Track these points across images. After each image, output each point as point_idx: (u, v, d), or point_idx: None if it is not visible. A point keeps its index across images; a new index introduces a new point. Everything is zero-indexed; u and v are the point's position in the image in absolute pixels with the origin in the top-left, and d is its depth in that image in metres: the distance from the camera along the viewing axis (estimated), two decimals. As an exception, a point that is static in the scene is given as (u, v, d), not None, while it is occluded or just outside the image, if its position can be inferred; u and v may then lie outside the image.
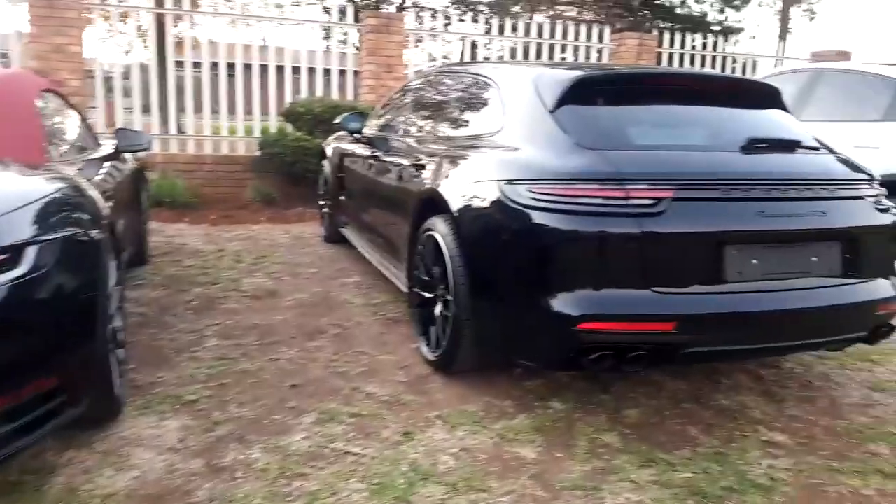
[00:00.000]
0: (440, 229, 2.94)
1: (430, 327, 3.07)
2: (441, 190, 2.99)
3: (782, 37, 34.27)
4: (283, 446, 2.37)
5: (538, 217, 2.42)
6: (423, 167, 3.35)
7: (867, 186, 2.69)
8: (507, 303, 2.60)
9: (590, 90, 2.78)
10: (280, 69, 8.31)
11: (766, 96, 3.02)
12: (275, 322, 3.65)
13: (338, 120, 4.85)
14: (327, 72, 8.86)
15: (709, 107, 2.86)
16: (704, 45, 10.22)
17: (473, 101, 3.47)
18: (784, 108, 3.05)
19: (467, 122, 3.44)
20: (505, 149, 2.83)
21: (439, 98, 3.96)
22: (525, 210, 2.46)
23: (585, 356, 2.35)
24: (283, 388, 2.84)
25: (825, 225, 2.50)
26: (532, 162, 2.62)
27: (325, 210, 5.68)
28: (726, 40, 10.96)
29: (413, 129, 3.99)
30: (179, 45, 9.39)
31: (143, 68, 8.58)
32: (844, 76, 5.34)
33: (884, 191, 2.80)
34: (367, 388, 2.87)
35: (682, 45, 9.89)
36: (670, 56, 9.80)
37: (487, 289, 2.66)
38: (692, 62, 9.92)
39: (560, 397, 2.83)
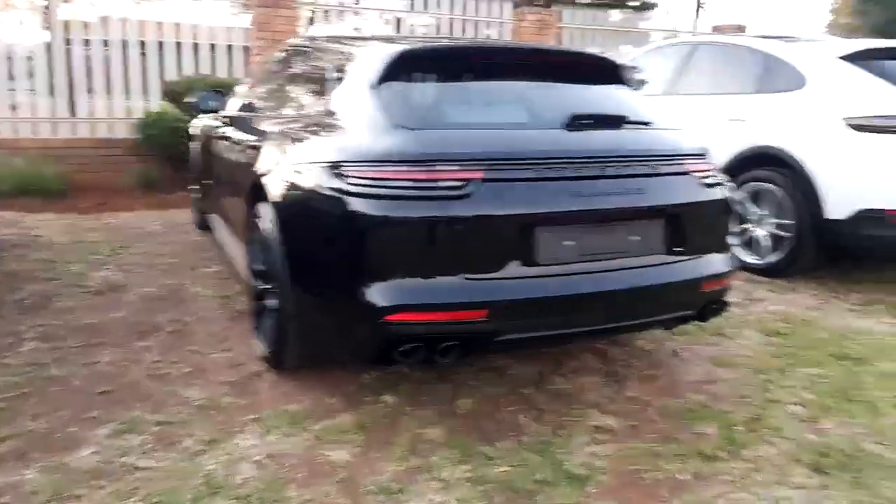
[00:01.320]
0: (264, 217, 2.74)
1: (264, 321, 2.88)
2: (263, 175, 2.79)
3: (697, 12, 34.96)
4: (67, 464, 2.15)
5: (349, 202, 2.25)
6: (257, 150, 3.12)
7: (695, 162, 2.62)
8: (321, 295, 2.44)
9: (412, 65, 2.61)
10: (162, 45, 7.84)
11: (603, 70, 2.92)
12: (108, 320, 3.38)
13: (192, 99, 4.54)
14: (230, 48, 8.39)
15: (537, 82, 2.74)
16: (604, 20, 10.22)
17: (318, 78, 3.25)
18: (624, 82, 2.97)
19: (307, 100, 3.23)
20: (328, 129, 2.64)
21: (292, 74, 3.71)
22: (336, 195, 2.29)
23: (396, 349, 2.21)
24: (90, 396, 2.60)
25: (645, 203, 2.42)
26: (348, 144, 2.44)
27: (194, 195, 5.37)
28: (642, 15, 11.01)
29: (262, 109, 3.74)
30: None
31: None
32: (719, 49, 5.35)
33: (714, 165, 2.75)
34: (186, 392, 2.66)
35: (584, 21, 9.85)
36: (571, 32, 9.76)
37: (305, 280, 2.49)
38: (595, 38, 9.91)
39: (394, 390, 2.69)
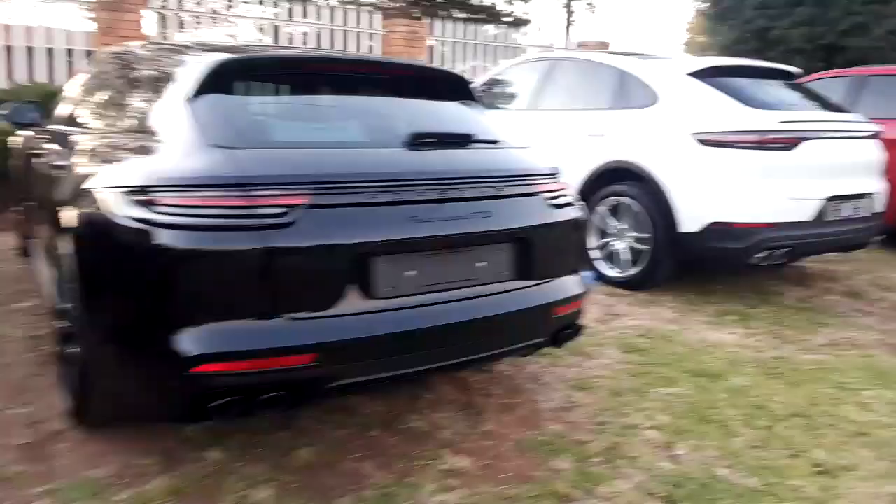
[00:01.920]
0: (63, 248, 2.35)
1: (67, 368, 2.47)
2: (65, 199, 2.40)
3: (567, 28, 36.48)
4: None
5: (152, 233, 1.92)
6: (63, 169, 2.71)
7: (545, 181, 2.50)
8: (121, 341, 2.08)
9: (234, 76, 2.32)
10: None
11: (448, 85, 2.75)
12: None
13: (3, 111, 3.97)
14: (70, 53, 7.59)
15: (376, 97, 2.53)
16: (477, 34, 10.27)
17: (137, 89, 2.86)
18: (471, 97, 2.82)
19: (123, 114, 2.83)
20: (139, 148, 2.30)
21: (112, 84, 3.29)
22: (139, 225, 1.95)
23: (208, 404, 1.91)
24: None
25: (492, 227, 2.26)
26: (156, 165, 2.11)
27: (16, 217, 4.74)
28: (517, 30, 11.16)
29: (77, 123, 3.29)
30: None
31: None
32: (578, 65, 5.40)
33: (565, 184, 2.64)
34: (-38, 461, 2.21)
35: (455, 35, 9.83)
36: (443, 45, 9.72)
37: (103, 323, 2.13)
38: (465, 52, 9.92)
39: (222, 444, 2.37)
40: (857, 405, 2.94)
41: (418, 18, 9.34)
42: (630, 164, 4.55)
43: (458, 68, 9.07)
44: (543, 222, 2.42)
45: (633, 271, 4.57)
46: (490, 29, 11.34)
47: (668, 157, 4.35)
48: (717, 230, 4.15)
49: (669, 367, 3.26)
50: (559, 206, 2.51)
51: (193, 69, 2.32)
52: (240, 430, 2.46)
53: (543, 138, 5.37)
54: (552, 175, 2.58)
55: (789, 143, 4.11)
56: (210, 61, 2.32)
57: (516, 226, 2.33)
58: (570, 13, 34.67)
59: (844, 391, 3.09)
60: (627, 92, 4.80)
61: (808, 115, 4.31)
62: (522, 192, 2.38)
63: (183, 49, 2.82)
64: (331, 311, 1.99)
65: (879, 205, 4.69)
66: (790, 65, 5.30)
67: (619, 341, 3.60)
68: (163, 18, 7.97)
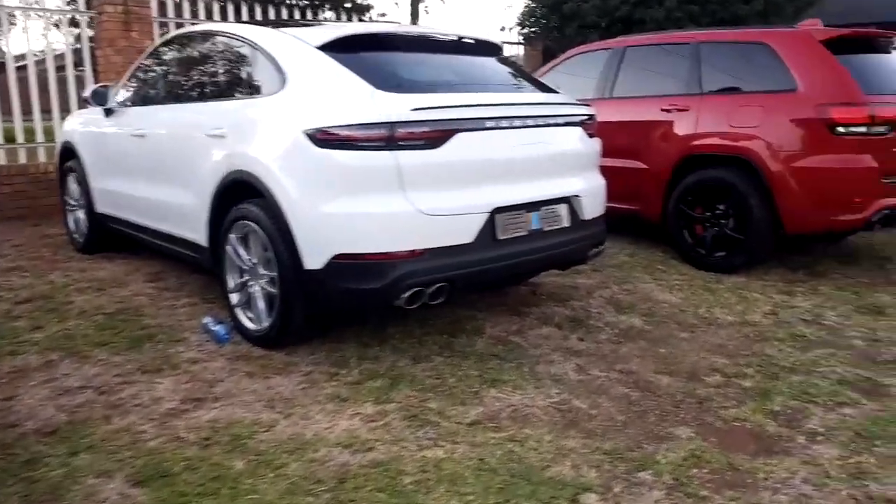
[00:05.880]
0: None
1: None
2: None
3: (414, 16, 35.57)
4: None
5: None
6: None
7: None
8: None
9: None
10: None
11: None
12: None
13: None
14: None
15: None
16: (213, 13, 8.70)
17: None
18: None
19: None
20: None
21: None
22: None
23: None
24: None
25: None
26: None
27: None
28: (361, 16, 9.72)
29: None
30: None
31: None
32: (205, 40, 4.04)
33: None
34: None
35: (182, 15, 8.14)
36: (166, 26, 8.07)
37: None
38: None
39: None
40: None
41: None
42: (247, 174, 3.27)
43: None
44: None
45: (267, 323, 3.30)
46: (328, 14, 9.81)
47: (282, 165, 3.10)
48: (343, 266, 2.94)
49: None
50: None
51: None
52: None
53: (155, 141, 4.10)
54: None
55: (434, 137, 2.96)
56: None
57: None
58: (416, 1, 33.44)
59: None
60: (255, 73, 3.52)
61: (467, 99, 3.15)
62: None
63: None
64: None
65: (592, 209, 3.67)
66: (589, 41, 4.35)
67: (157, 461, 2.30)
68: None
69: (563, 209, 3.46)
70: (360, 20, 11.87)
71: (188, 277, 4.50)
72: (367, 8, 24.96)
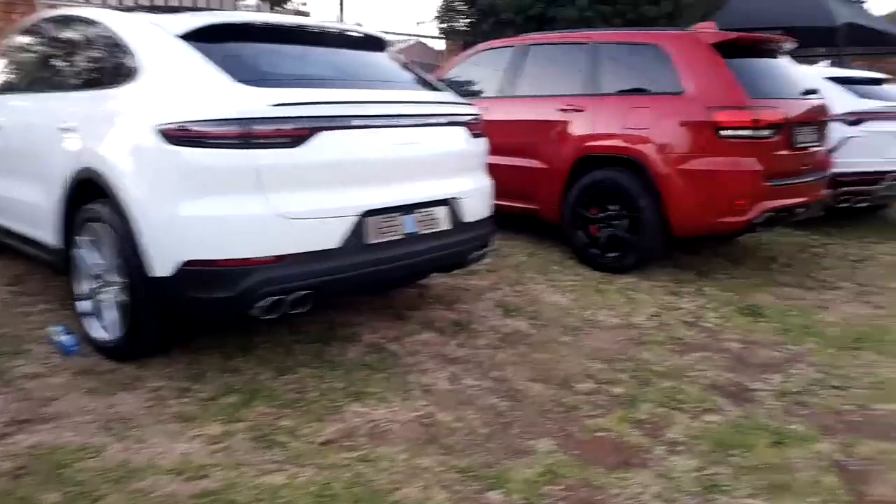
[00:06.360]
0: None
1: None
2: None
3: (341, 7, 35.01)
4: None
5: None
6: None
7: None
8: None
9: None
10: None
11: None
12: None
13: None
14: None
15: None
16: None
17: None
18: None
19: None
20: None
21: None
22: None
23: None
24: None
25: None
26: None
27: None
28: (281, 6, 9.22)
29: None
30: None
31: None
32: (67, 25, 3.72)
33: None
34: None
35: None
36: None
37: None
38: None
39: None
40: None
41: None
42: (94, 172, 3.00)
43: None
44: None
45: (119, 333, 3.05)
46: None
47: (129, 162, 2.86)
48: (194, 272, 2.73)
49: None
50: None
51: None
52: None
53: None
54: None
55: (294, 135, 2.77)
56: None
57: None
58: (340, -9, 32.95)
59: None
60: (110, 62, 3.24)
61: (332, 95, 2.98)
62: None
63: None
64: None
65: (475, 211, 3.57)
66: (504, 37, 4.18)
67: None
68: None
69: (441, 211, 3.34)
70: (273, 10, 11.40)
71: (53, 281, 4.15)
72: (286, -1, 24.33)
